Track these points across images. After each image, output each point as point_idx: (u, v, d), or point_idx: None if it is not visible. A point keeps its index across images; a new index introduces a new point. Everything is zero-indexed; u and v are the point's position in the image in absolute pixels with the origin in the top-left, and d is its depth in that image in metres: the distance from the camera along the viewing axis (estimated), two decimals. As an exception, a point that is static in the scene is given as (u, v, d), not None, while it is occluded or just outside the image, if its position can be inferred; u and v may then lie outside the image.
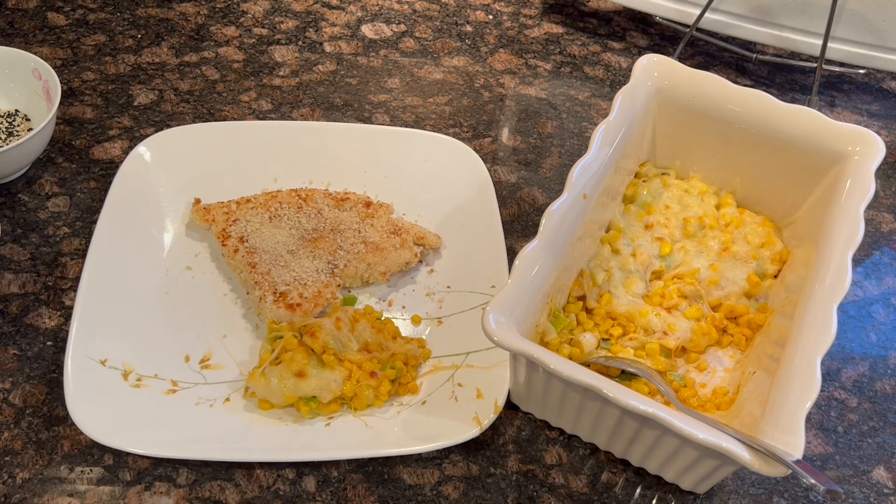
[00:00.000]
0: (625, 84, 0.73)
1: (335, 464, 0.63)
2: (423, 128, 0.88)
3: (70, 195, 0.78)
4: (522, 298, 0.59)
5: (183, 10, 0.98)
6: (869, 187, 0.66)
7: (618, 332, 0.69)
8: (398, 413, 0.64)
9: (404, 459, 0.63)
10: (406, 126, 0.87)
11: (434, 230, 0.76)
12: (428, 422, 0.63)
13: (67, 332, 0.64)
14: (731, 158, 0.75)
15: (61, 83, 0.87)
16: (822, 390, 0.54)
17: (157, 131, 0.80)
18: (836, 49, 0.93)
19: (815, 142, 0.70)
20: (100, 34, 0.94)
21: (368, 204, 0.76)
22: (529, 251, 0.60)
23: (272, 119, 0.87)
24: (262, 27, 0.98)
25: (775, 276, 0.73)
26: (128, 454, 0.61)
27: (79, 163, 0.81)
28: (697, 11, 0.94)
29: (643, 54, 0.75)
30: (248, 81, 0.91)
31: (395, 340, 0.67)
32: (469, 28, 1.01)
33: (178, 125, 0.81)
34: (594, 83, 0.96)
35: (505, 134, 0.89)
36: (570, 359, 0.63)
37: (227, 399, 0.64)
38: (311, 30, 0.98)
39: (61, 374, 0.62)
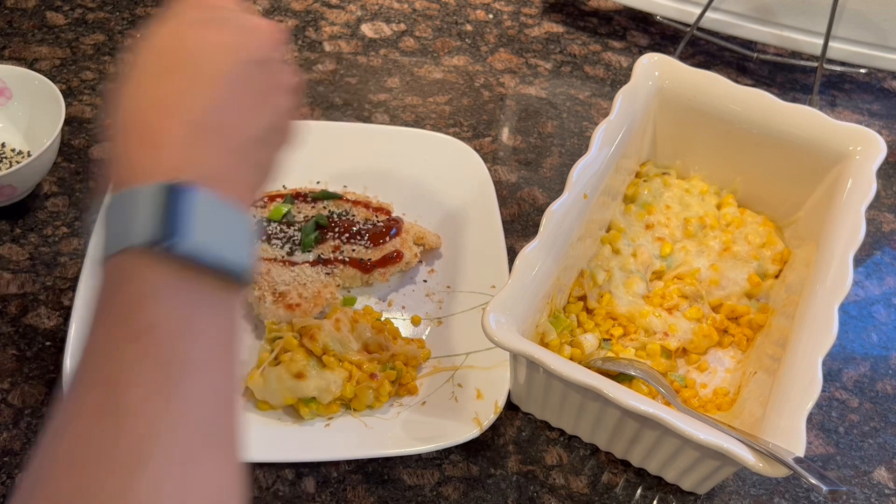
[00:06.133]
0: (625, 83, 0.72)
1: (335, 464, 0.62)
2: (423, 127, 0.87)
3: (69, 195, 0.78)
4: (522, 298, 0.59)
5: (182, 10, 0.98)
6: (870, 187, 0.66)
7: (619, 332, 0.69)
8: (398, 414, 0.64)
9: (404, 460, 0.63)
10: (406, 126, 0.87)
11: (434, 230, 0.76)
12: (428, 422, 0.63)
13: (66, 332, 0.64)
14: (731, 158, 0.75)
15: (60, 83, 0.87)
16: (823, 391, 0.54)
17: (156, 131, 0.80)
18: (837, 48, 0.93)
19: (817, 141, 0.70)
20: (99, 33, 0.94)
21: (368, 204, 0.76)
22: (529, 251, 0.60)
23: (272, 119, 0.87)
24: (262, 26, 0.97)
25: (776, 276, 0.72)
26: (127, 455, 0.61)
27: (78, 163, 0.81)
28: (698, 11, 0.94)
29: (644, 53, 0.75)
30: (248, 81, 0.91)
31: (395, 341, 0.67)
32: (469, 27, 1.01)
33: (177, 125, 0.81)
34: (595, 82, 0.96)
35: (505, 133, 0.89)
36: (571, 359, 0.63)
37: (227, 399, 0.64)
38: (310, 29, 0.98)
39: (61, 374, 0.62)
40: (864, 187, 0.65)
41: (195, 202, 0.34)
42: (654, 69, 0.74)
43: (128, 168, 0.35)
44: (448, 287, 0.73)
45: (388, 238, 0.73)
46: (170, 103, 0.36)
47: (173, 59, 0.38)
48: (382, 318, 0.69)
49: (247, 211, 0.37)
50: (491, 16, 1.03)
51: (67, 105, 0.83)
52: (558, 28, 1.02)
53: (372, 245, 0.72)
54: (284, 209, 0.73)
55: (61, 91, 0.76)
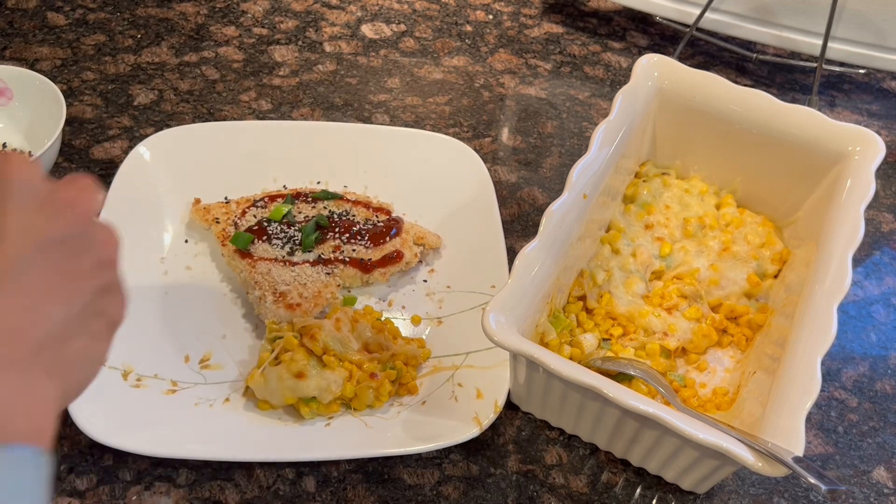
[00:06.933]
0: (625, 84, 0.73)
1: (335, 464, 0.63)
2: (423, 128, 0.88)
3: (70, 195, 0.78)
4: (522, 298, 0.59)
5: (183, 10, 0.98)
6: (869, 187, 0.66)
7: (618, 332, 0.69)
8: (398, 413, 0.64)
9: (404, 459, 0.63)
10: (406, 126, 0.87)
11: (434, 230, 0.76)
12: (428, 422, 0.63)
13: (67, 332, 0.64)
14: (731, 158, 0.75)
15: (61, 83, 0.87)
16: (822, 390, 0.54)
17: (156, 131, 0.80)
18: (837, 49, 0.93)
19: (816, 142, 0.70)
20: (99, 34, 0.94)
21: (368, 204, 0.76)
22: (529, 251, 0.60)
23: (272, 119, 0.87)
24: (262, 27, 0.98)
25: (776, 276, 0.72)
26: (128, 454, 0.61)
27: (79, 163, 0.81)
28: (697, 11, 0.94)
29: (643, 54, 0.75)
30: (248, 81, 0.91)
31: (396, 341, 0.67)
32: (469, 28, 1.01)
33: (177, 125, 0.81)
34: (594, 83, 0.96)
35: (505, 134, 0.89)
36: (571, 359, 0.63)
37: (227, 399, 0.64)
38: (311, 29, 0.98)
39: (61, 374, 0.62)
40: (863, 187, 0.66)
41: None
42: (654, 70, 0.74)
43: None
44: (448, 287, 0.73)
45: (388, 238, 0.73)
46: None
47: None
48: (382, 318, 0.69)
49: (42, 446, 0.29)
50: (491, 16, 1.03)
51: (68, 105, 0.84)
52: (558, 28, 1.02)
53: (372, 245, 0.73)
54: (285, 209, 0.74)
55: (62, 91, 0.76)
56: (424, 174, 0.80)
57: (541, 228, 0.61)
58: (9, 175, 0.33)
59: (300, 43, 0.96)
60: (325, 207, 0.75)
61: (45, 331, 0.31)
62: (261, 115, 0.87)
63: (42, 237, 0.32)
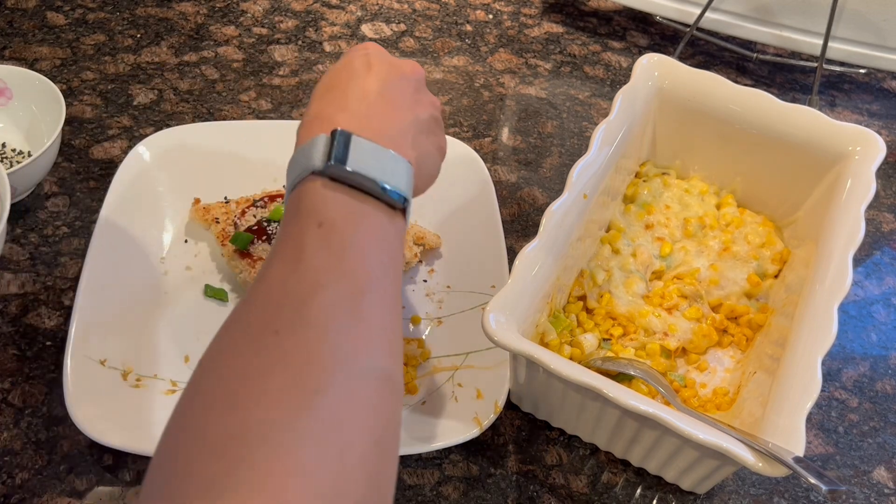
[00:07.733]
0: (625, 83, 0.73)
1: (335, 464, 0.62)
2: (423, 127, 0.87)
3: (69, 195, 0.78)
4: (522, 298, 0.59)
5: (182, 10, 0.98)
6: (869, 187, 0.66)
7: (618, 332, 0.69)
8: (398, 413, 0.64)
9: (404, 459, 0.63)
10: (406, 126, 0.87)
11: (434, 230, 0.76)
12: (428, 422, 0.63)
13: (67, 331, 0.64)
14: (731, 158, 0.75)
15: (61, 83, 0.87)
16: (822, 390, 0.54)
17: (156, 131, 0.80)
18: (837, 49, 0.93)
19: (816, 141, 0.70)
20: (99, 34, 0.94)
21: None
22: (529, 251, 0.60)
23: (272, 119, 0.87)
24: (262, 27, 0.98)
25: (776, 276, 0.72)
26: (128, 454, 0.61)
27: (78, 162, 0.81)
28: (698, 11, 0.94)
29: (643, 54, 0.75)
30: (248, 81, 0.91)
31: (395, 340, 0.67)
32: (469, 27, 1.01)
33: (177, 125, 0.81)
34: (594, 83, 0.96)
35: (505, 134, 0.89)
36: (571, 359, 0.63)
37: (227, 399, 0.64)
38: (310, 29, 0.98)
39: (61, 374, 0.62)
40: (863, 187, 0.66)
41: (354, 141, 0.45)
42: (654, 69, 0.74)
43: (309, 133, 0.47)
44: (448, 287, 0.73)
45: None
46: (340, 104, 0.49)
47: (343, 79, 0.51)
48: (382, 318, 0.69)
49: (404, 156, 0.47)
50: (491, 16, 1.03)
51: (68, 105, 0.84)
52: (558, 28, 1.02)
53: (372, 245, 0.72)
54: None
55: (62, 91, 0.76)
56: (424, 174, 0.80)
57: (541, 228, 0.61)
58: (365, 48, 0.53)
59: (300, 43, 0.96)
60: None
61: (401, 124, 0.49)
62: (261, 115, 0.87)
63: (398, 74, 0.52)
